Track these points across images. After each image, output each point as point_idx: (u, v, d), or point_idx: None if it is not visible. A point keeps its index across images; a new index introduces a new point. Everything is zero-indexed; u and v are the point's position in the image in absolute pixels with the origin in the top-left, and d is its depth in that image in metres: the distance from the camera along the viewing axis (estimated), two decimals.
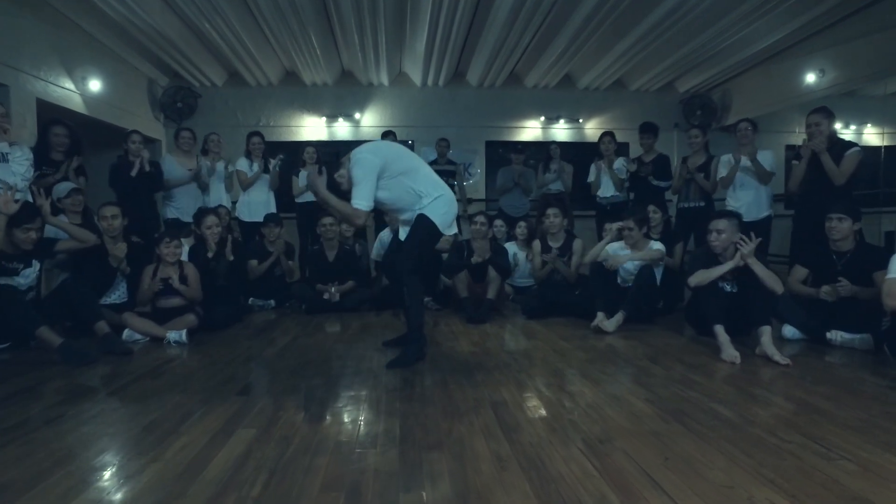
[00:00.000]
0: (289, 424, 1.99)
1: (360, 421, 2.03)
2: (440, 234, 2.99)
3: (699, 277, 3.16)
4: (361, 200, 2.78)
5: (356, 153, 2.91)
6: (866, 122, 8.67)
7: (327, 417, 2.07)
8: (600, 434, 1.87)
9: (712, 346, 3.14)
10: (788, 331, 3.35)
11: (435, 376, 2.62)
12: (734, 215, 3.28)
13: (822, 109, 3.82)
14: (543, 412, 2.11)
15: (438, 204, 2.93)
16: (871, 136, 8.63)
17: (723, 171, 4.51)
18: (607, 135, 5.49)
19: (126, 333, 3.43)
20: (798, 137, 8.62)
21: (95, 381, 2.63)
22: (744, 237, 3.06)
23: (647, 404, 2.18)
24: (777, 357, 2.77)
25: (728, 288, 3.28)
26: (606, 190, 5.35)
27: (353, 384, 2.54)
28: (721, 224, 3.18)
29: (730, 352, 2.87)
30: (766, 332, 2.92)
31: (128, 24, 5.95)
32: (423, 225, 2.91)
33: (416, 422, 2.01)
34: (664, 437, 1.84)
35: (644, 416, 2.04)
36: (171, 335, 3.36)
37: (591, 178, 5.48)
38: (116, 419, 2.08)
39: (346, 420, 2.05)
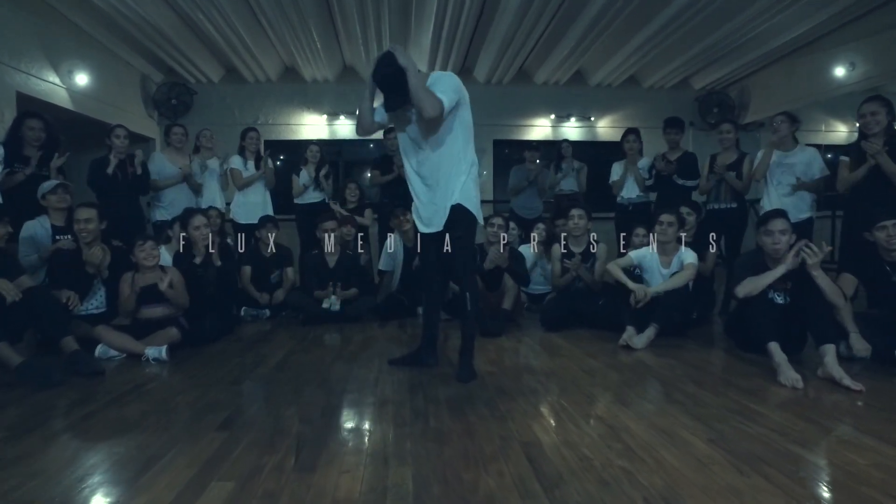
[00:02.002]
0: (275, 474, 1.62)
1: (363, 468, 1.65)
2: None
3: (749, 286, 2.78)
4: (445, 96, 2.44)
5: (442, 72, 2.65)
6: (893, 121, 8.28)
7: (323, 463, 1.69)
8: (664, 489, 1.50)
9: (761, 365, 2.77)
10: (845, 348, 2.96)
11: (451, 405, 2.25)
12: (787, 215, 2.90)
13: (879, 98, 3.43)
14: (588, 455, 1.73)
15: (471, 187, 2.64)
16: None
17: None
18: (631, 132, 5.11)
19: (100, 349, 3.05)
20: (824, 136, 8.27)
21: (54, 409, 2.25)
22: (810, 244, 2.68)
23: (710, 446, 1.80)
24: (847, 381, 2.39)
25: (779, 299, 2.90)
26: (630, 191, 4.96)
27: (354, 416, 2.17)
28: (781, 223, 2.81)
29: (789, 375, 2.48)
30: (830, 352, 2.53)
31: (117, 14, 5.61)
32: (466, 221, 2.62)
33: (433, 471, 1.63)
34: (745, 495, 1.46)
35: (712, 464, 1.66)
36: (150, 352, 2.99)
37: (615, 177, 5.09)
38: (63, 465, 1.70)
39: (345, 467, 1.66)
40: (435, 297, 2.90)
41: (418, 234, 2.84)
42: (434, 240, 2.73)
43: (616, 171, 5.10)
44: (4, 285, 2.68)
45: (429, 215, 2.69)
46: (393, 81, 2.44)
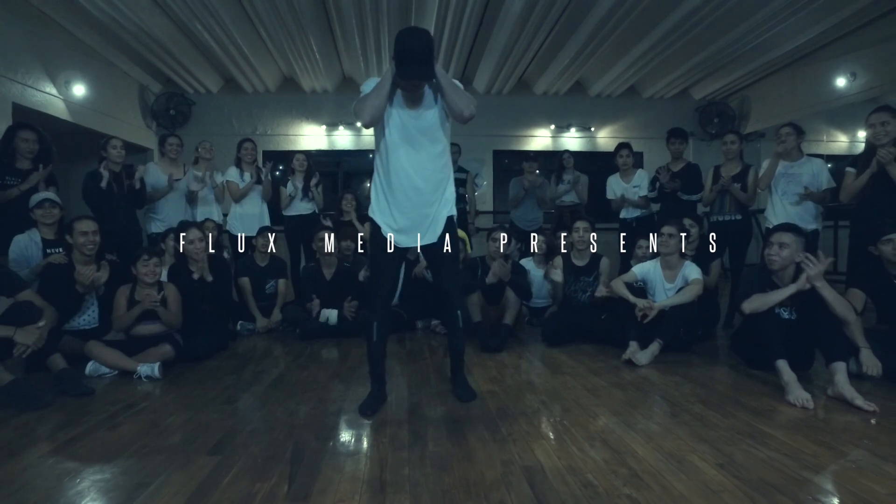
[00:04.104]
0: (267, 503, 1.55)
1: (359, 497, 1.58)
2: None
3: (756, 303, 2.71)
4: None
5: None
6: None
7: (317, 491, 1.62)
8: None
9: (769, 383, 2.70)
10: (856, 364, 2.89)
11: (451, 427, 2.17)
12: (801, 232, 2.84)
13: (889, 108, 3.38)
14: (592, 482, 1.66)
15: (453, 199, 2.47)
16: None
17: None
18: (624, 147, 5.07)
19: (90, 366, 2.98)
20: (826, 146, 8.24)
21: (38, 432, 2.18)
22: (810, 256, 2.62)
23: (720, 471, 1.72)
24: (859, 401, 2.32)
25: (785, 315, 2.84)
26: (631, 211, 4.95)
27: (350, 439, 2.09)
28: (785, 237, 2.74)
29: (799, 394, 2.42)
30: (840, 370, 2.47)
31: (115, 24, 5.59)
32: (456, 234, 2.47)
33: (432, 499, 1.56)
34: None
35: (722, 492, 1.59)
36: (142, 369, 2.91)
37: (610, 195, 5.09)
38: (46, 492, 1.62)
39: (340, 496, 1.59)
40: (387, 325, 2.51)
41: (385, 246, 2.41)
42: (401, 255, 2.50)
43: (611, 186, 5.09)
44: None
45: (417, 224, 2.39)
46: (423, 53, 2.16)
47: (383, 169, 2.37)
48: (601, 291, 3.77)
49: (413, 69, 2.17)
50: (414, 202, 2.36)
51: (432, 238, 2.41)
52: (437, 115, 2.35)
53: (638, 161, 8.36)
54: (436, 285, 2.56)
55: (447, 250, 2.43)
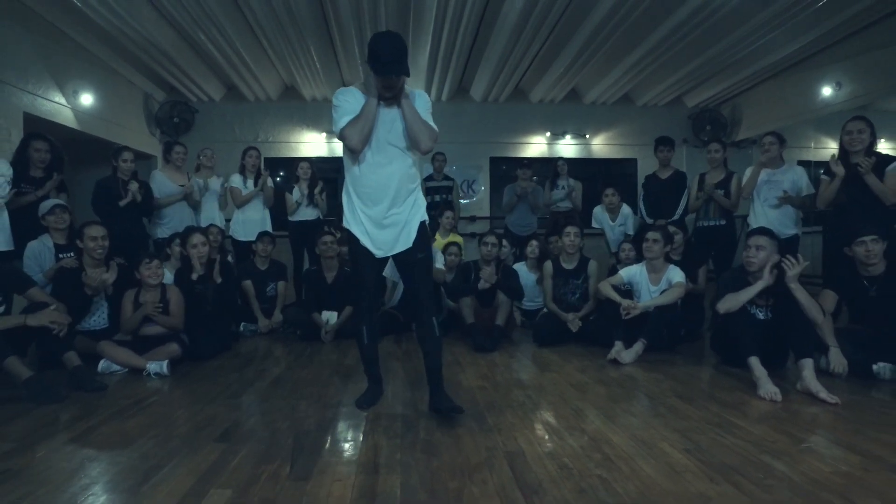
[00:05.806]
0: (271, 482, 1.70)
1: (355, 477, 1.74)
2: None
3: (729, 303, 2.88)
4: (433, 124, 2.35)
5: (416, 90, 2.41)
6: (880, 138, 8.40)
7: (317, 472, 1.78)
8: (637, 497, 1.59)
9: (744, 380, 2.86)
10: (825, 362, 3.05)
11: (442, 419, 2.33)
12: (775, 235, 3.01)
13: (864, 118, 3.56)
14: (568, 465, 1.82)
15: (423, 204, 2.48)
16: (885, 151, 8.35)
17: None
18: (609, 186, 5.33)
19: (102, 364, 3.14)
20: (813, 153, 8.39)
21: (59, 422, 2.34)
22: (789, 258, 2.79)
23: (686, 455, 1.88)
24: (823, 395, 2.48)
25: (760, 315, 3.00)
26: (614, 245, 5.22)
27: (348, 428, 2.25)
28: (762, 240, 2.91)
29: (768, 388, 2.58)
30: (808, 366, 2.63)
31: (121, 35, 5.77)
32: (428, 239, 2.51)
33: (420, 480, 1.72)
34: (714, 501, 1.55)
35: (685, 473, 1.75)
36: (151, 366, 3.08)
37: (596, 225, 5.40)
38: (69, 475, 1.78)
39: (338, 476, 1.75)
40: (376, 328, 2.61)
41: (364, 254, 2.42)
42: (381, 262, 2.50)
43: (597, 217, 5.37)
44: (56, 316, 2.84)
45: (393, 235, 2.39)
46: (401, 50, 2.16)
47: (353, 181, 2.39)
48: (576, 326, 3.94)
49: (395, 67, 2.17)
50: (386, 212, 2.36)
51: (406, 244, 2.40)
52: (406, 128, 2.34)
53: (631, 165, 8.60)
54: (411, 292, 2.51)
55: (421, 255, 2.42)
